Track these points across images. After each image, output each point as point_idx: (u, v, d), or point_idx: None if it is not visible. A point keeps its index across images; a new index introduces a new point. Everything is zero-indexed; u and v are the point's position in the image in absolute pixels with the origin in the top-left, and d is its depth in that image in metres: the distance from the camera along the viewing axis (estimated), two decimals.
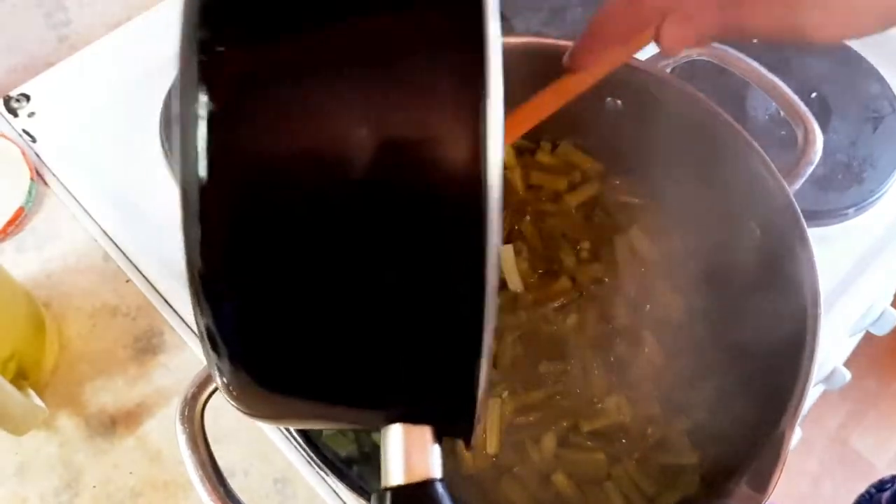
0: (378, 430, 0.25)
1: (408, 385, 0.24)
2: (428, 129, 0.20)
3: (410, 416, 0.25)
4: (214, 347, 0.22)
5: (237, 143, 0.20)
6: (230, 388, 0.24)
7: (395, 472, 0.25)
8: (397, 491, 0.24)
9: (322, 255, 0.21)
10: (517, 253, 0.58)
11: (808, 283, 0.48)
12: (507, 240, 0.59)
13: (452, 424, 0.25)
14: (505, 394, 0.54)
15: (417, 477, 0.25)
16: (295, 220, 0.21)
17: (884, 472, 0.94)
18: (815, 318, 0.47)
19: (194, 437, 0.43)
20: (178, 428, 0.43)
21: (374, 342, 0.22)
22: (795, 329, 0.48)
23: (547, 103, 0.42)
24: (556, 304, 0.56)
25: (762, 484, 0.43)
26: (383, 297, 0.21)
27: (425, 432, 0.25)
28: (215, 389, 0.44)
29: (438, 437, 0.25)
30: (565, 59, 0.42)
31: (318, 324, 0.22)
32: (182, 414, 0.43)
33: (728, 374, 0.54)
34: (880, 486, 0.95)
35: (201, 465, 0.42)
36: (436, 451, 0.25)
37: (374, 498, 0.25)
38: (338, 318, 0.22)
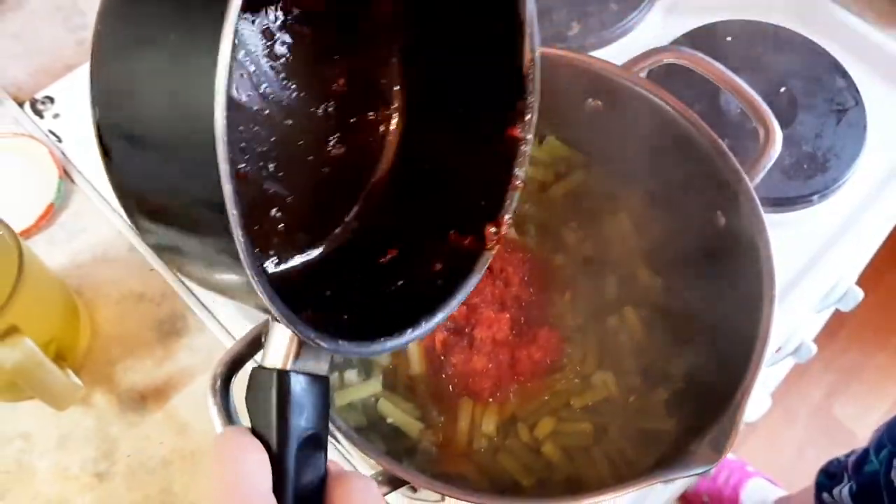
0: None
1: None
2: None
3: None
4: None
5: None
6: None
7: (262, 355, 0.33)
8: (256, 368, 0.33)
9: None
10: (524, 233, 0.64)
11: (765, 266, 0.54)
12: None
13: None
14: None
15: (271, 363, 0.33)
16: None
17: (866, 441, 1.01)
18: (771, 298, 0.53)
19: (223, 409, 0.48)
20: (210, 401, 0.49)
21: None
22: (755, 307, 0.53)
23: None
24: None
25: (720, 445, 0.49)
26: None
27: (287, 331, 0.33)
28: (240, 367, 0.50)
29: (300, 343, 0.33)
30: None
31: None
32: (212, 388, 0.49)
33: (699, 348, 0.60)
34: (850, 453, 1.01)
35: None
36: (287, 347, 0.33)
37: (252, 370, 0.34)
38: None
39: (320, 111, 0.43)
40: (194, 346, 0.67)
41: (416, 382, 0.60)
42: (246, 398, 0.33)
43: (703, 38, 0.79)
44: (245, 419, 0.34)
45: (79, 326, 0.65)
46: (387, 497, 0.61)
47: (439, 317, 0.39)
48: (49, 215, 0.71)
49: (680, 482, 1.11)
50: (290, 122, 0.41)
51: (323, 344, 0.32)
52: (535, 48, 0.40)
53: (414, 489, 0.50)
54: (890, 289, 1.71)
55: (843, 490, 0.96)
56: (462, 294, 0.41)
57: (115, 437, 0.63)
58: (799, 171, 0.73)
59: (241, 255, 0.27)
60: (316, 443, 0.33)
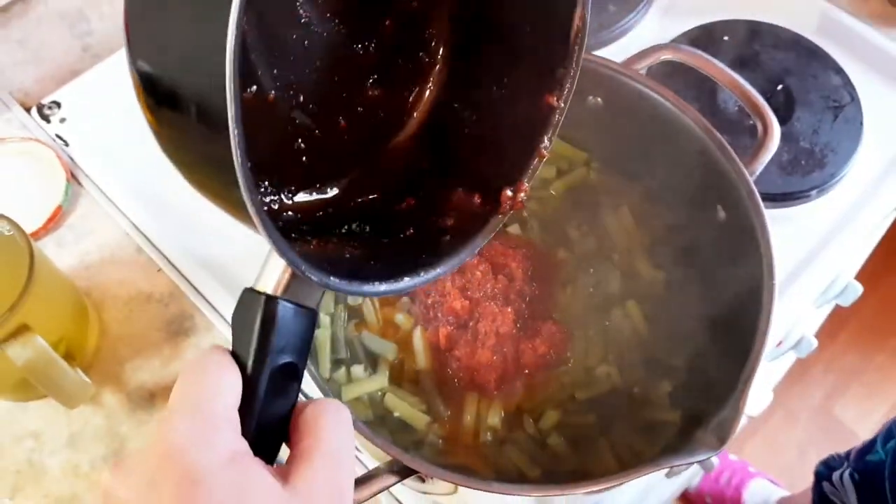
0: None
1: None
2: None
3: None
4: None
5: None
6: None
7: (256, 279, 0.34)
8: (247, 290, 0.34)
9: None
10: (526, 229, 0.65)
11: (765, 257, 0.55)
12: (511, 221, 0.66)
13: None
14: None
15: (263, 288, 0.34)
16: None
17: None
18: (771, 288, 0.53)
19: None
20: None
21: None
22: (755, 298, 0.54)
23: None
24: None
25: (724, 433, 0.49)
26: None
27: (283, 264, 0.33)
28: None
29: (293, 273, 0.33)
30: None
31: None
32: None
33: (702, 340, 0.60)
34: (850, 450, 1.02)
35: None
36: (280, 276, 0.33)
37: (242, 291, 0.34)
38: None
39: (361, 49, 0.42)
40: (202, 345, 0.67)
41: (422, 377, 0.61)
42: (232, 318, 0.34)
43: (700, 38, 0.80)
44: None
45: (88, 326, 0.66)
46: (392, 490, 0.62)
47: (439, 270, 0.39)
48: (57, 218, 0.72)
49: (683, 477, 1.12)
50: (328, 56, 0.41)
51: (312, 277, 0.33)
52: (587, 16, 0.41)
53: (422, 479, 0.51)
54: (889, 290, 1.72)
55: (844, 475, 0.96)
56: (466, 253, 0.41)
57: (124, 436, 0.63)
58: (797, 166, 0.74)
59: (240, 181, 0.28)
60: (292, 373, 0.34)
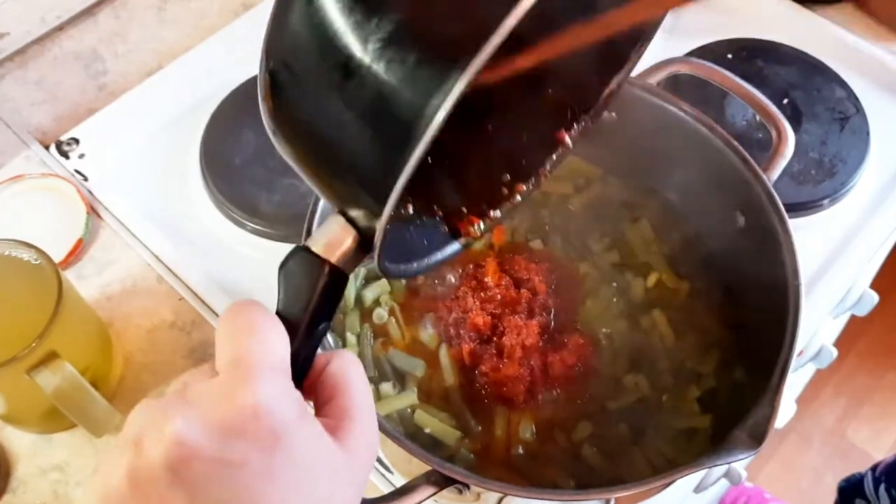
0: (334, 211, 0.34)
1: (352, 185, 0.32)
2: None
3: (347, 216, 0.33)
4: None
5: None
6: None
7: (313, 241, 0.34)
8: (305, 251, 0.33)
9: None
10: (548, 243, 0.67)
11: (788, 259, 0.55)
12: (534, 237, 0.67)
13: (367, 239, 0.33)
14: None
15: (323, 252, 0.33)
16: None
17: None
18: (797, 288, 0.54)
19: None
20: None
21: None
22: (781, 299, 0.55)
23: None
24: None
25: (760, 432, 0.49)
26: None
27: (351, 234, 0.33)
28: None
29: (359, 246, 0.33)
30: None
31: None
32: None
33: (728, 345, 0.61)
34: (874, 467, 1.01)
35: None
36: (344, 247, 0.33)
37: (293, 248, 0.34)
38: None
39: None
40: None
41: (451, 393, 0.61)
42: (282, 273, 0.34)
43: (705, 56, 0.81)
44: None
45: (112, 355, 0.66)
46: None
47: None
48: (78, 250, 0.72)
49: (707, 497, 1.10)
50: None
51: (386, 267, 0.34)
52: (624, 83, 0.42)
53: (459, 491, 0.50)
54: (894, 310, 1.72)
55: (880, 489, 0.95)
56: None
57: None
58: (808, 177, 0.75)
59: (390, 205, 0.29)
60: (322, 335, 0.34)
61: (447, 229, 0.43)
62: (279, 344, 0.31)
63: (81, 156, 0.79)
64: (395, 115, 0.29)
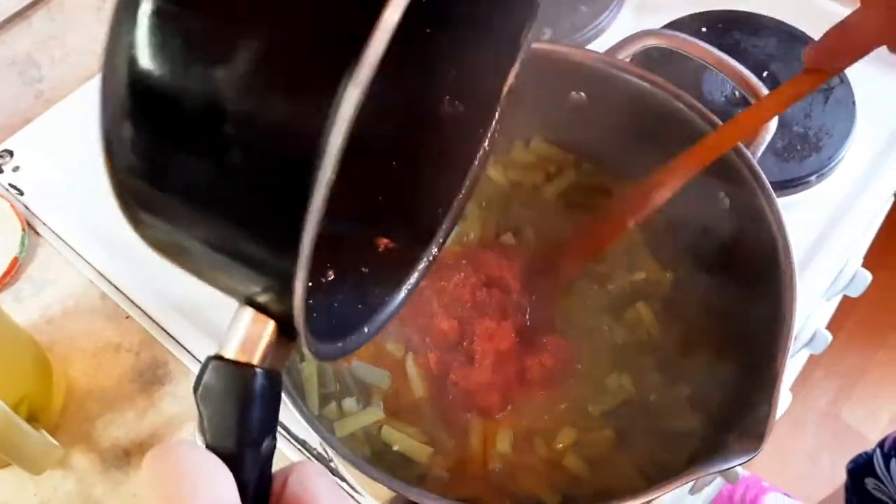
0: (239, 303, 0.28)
1: (247, 267, 0.26)
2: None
3: (255, 304, 0.27)
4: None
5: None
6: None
7: (226, 346, 0.27)
8: (219, 360, 0.27)
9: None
10: (520, 238, 0.61)
11: (779, 237, 0.51)
12: (504, 231, 0.62)
13: (287, 325, 0.27)
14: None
15: (242, 357, 0.27)
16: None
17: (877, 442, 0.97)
18: (791, 270, 0.50)
19: None
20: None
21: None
22: (773, 284, 0.50)
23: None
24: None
25: (760, 431, 0.45)
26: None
27: (267, 325, 0.27)
28: None
29: (281, 335, 0.28)
30: (805, 53, 0.44)
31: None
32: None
33: (718, 338, 0.56)
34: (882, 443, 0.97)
35: None
36: (263, 342, 0.27)
37: (204, 361, 0.27)
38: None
39: None
40: (179, 393, 0.62)
41: (420, 405, 0.56)
42: (199, 396, 0.27)
43: (678, 30, 0.77)
44: None
45: (52, 384, 0.61)
46: None
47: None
48: (14, 270, 0.67)
49: (704, 494, 1.06)
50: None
51: (321, 350, 0.28)
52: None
53: None
54: (881, 288, 1.69)
55: (892, 465, 0.91)
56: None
57: (98, 499, 0.57)
58: (793, 152, 0.70)
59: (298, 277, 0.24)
60: (270, 452, 0.28)
61: (381, 279, 0.38)
62: (219, 485, 0.25)
63: (16, 168, 0.73)
64: (281, 156, 0.23)
